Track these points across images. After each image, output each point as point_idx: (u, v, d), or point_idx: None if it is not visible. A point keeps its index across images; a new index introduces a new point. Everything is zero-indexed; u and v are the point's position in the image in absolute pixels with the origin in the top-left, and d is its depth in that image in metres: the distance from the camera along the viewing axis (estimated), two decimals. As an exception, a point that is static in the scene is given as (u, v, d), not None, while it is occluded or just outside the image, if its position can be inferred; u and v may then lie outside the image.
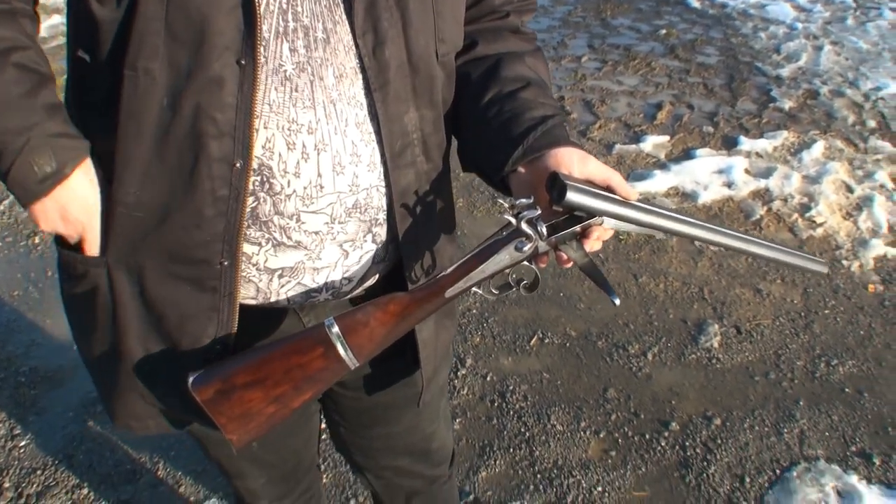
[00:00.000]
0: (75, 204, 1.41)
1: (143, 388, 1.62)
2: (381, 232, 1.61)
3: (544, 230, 1.43)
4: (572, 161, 1.46)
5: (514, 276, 1.53)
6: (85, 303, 1.55)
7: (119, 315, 1.53)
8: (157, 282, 1.49)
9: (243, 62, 1.31)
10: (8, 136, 1.32)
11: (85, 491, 3.18)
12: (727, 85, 7.11)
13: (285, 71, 1.37)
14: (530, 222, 1.42)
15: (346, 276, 1.62)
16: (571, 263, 1.49)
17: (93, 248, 1.47)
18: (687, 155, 5.88)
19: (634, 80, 7.21)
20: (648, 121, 6.42)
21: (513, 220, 1.42)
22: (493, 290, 1.55)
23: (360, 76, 1.43)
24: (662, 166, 5.70)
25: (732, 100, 6.81)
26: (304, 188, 1.45)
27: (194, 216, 1.40)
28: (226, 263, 1.47)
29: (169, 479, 3.24)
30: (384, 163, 1.51)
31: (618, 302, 1.51)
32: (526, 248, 1.43)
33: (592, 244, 1.49)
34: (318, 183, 1.45)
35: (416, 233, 1.64)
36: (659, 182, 5.45)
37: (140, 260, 1.47)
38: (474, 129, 1.64)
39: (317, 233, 1.52)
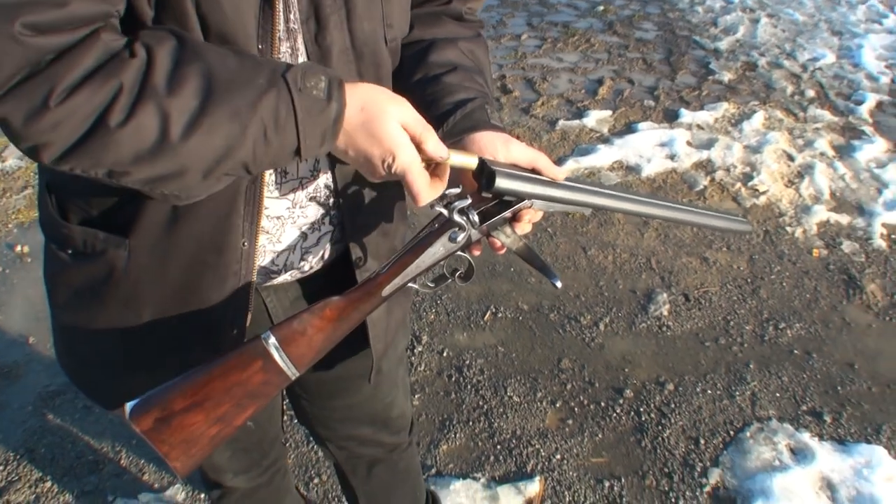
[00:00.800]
0: (386, 98, 1.32)
1: (148, 370, 1.58)
2: (339, 213, 1.63)
3: (476, 218, 1.43)
4: (495, 146, 1.48)
5: (448, 267, 1.54)
6: (93, 283, 1.52)
7: (134, 297, 1.51)
8: (180, 267, 1.47)
9: (261, 47, 1.31)
10: (268, 96, 1.21)
11: (48, 484, 3.17)
12: (666, 59, 7.18)
13: None
14: (462, 212, 1.42)
15: (304, 256, 1.64)
16: (505, 249, 1.51)
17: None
18: (629, 129, 5.94)
19: (574, 57, 7.26)
20: (590, 96, 6.47)
21: (444, 212, 1.43)
22: (429, 284, 1.56)
23: None
24: (606, 141, 5.75)
25: (672, 73, 6.88)
26: (270, 175, 1.46)
27: (225, 201, 1.39)
28: (246, 245, 1.47)
29: (132, 468, 3.23)
30: None
31: (559, 285, 1.53)
32: (459, 239, 1.44)
33: (523, 227, 1.52)
34: (282, 170, 1.48)
35: (363, 216, 1.66)
36: (603, 156, 5.49)
37: (167, 245, 1.44)
38: None
39: (279, 217, 1.54)
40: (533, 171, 1.49)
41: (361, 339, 1.85)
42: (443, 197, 1.42)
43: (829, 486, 3.06)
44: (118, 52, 1.15)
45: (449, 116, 1.53)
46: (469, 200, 1.42)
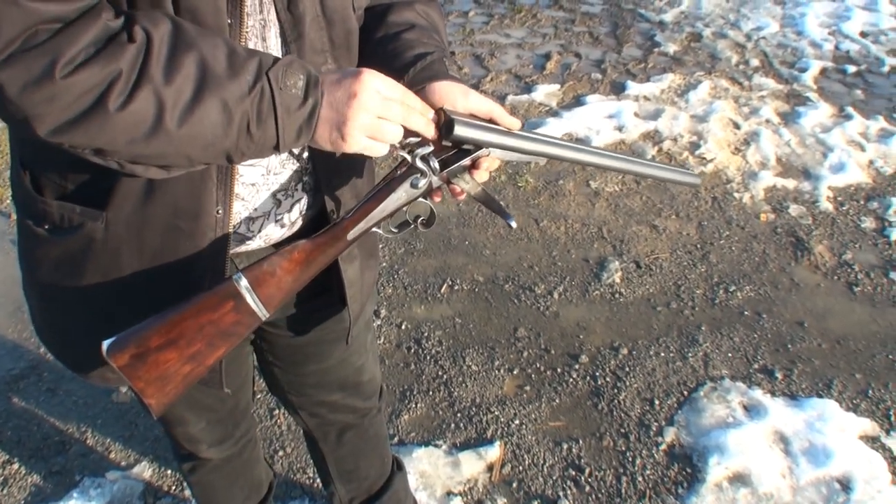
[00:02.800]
0: (364, 87, 1.35)
1: None
2: (311, 180, 1.68)
3: (436, 165, 1.49)
4: (455, 95, 1.53)
5: (411, 213, 1.59)
6: (72, 256, 1.55)
7: (113, 268, 1.54)
8: (157, 236, 1.50)
9: (230, 21, 1.36)
10: (254, 91, 1.28)
11: (16, 466, 3.18)
12: (612, 32, 7.22)
13: None
14: (424, 159, 1.47)
15: (278, 222, 1.68)
16: (465, 195, 1.57)
17: (427, 129, 1.47)
18: (578, 102, 5.98)
19: (522, 33, 7.29)
20: (538, 71, 6.50)
21: (407, 157, 1.48)
22: (393, 229, 1.61)
23: (280, 31, 1.48)
24: (555, 114, 5.79)
25: (618, 47, 6.93)
26: None
27: (198, 170, 1.42)
28: (220, 213, 1.50)
29: (98, 447, 3.24)
30: None
31: (514, 224, 1.58)
32: (421, 185, 1.50)
33: (481, 175, 1.58)
34: None
35: (338, 179, 1.70)
36: (552, 129, 5.52)
37: (143, 215, 1.47)
38: None
39: (253, 184, 1.57)
40: (490, 120, 1.54)
41: (333, 304, 1.92)
42: (405, 145, 1.47)
43: (783, 440, 3.13)
44: (117, 33, 1.20)
45: (410, 68, 1.58)
46: (431, 148, 1.47)
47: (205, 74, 1.23)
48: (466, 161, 1.53)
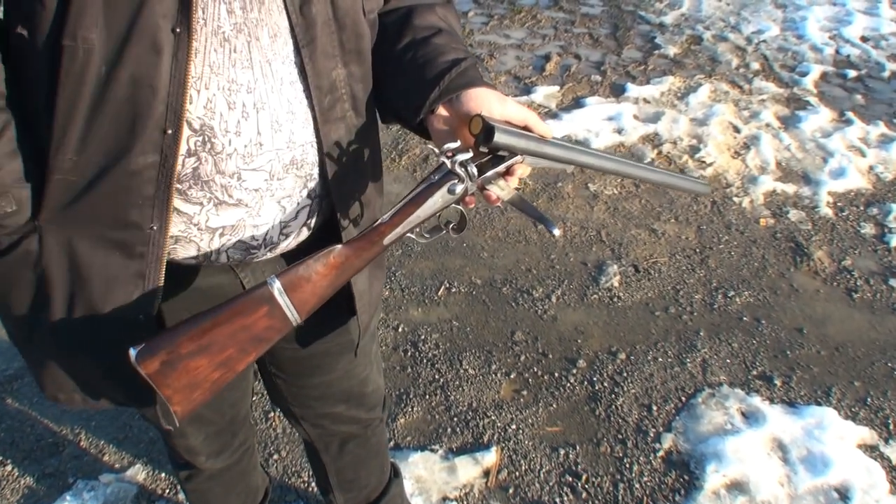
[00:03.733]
0: None
1: (67, 359, 1.60)
2: (316, 186, 1.64)
3: (475, 171, 1.48)
4: (491, 102, 1.51)
5: (441, 218, 1.58)
6: (13, 271, 1.52)
7: (47, 282, 1.51)
8: (87, 246, 1.47)
9: (178, 30, 1.32)
10: None
11: (9, 468, 3.16)
12: (612, 34, 7.21)
13: (224, 32, 1.38)
14: (462, 165, 1.46)
15: (283, 231, 1.65)
16: (499, 201, 1.55)
17: None
18: (577, 104, 5.96)
19: (521, 34, 7.28)
20: (538, 72, 6.49)
21: (447, 163, 1.47)
22: (425, 235, 1.59)
23: (291, 35, 1.46)
24: (554, 116, 5.78)
25: (618, 48, 6.91)
26: (245, 146, 1.46)
27: (126, 180, 1.39)
28: (155, 228, 1.46)
29: (92, 449, 3.23)
30: (315, 118, 1.54)
31: (557, 233, 1.59)
32: (458, 190, 1.48)
33: (513, 181, 1.57)
34: (257, 141, 1.48)
35: (347, 185, 1.68)
36: (552, 131, 5.50)
37: (72, 224, 1.44)
38: (390, 76, 1.67)
39: (256, 190, 1.54)
40: (525, 127, 1.54)
41: (340, 315, 1.91)
42: (444, 150, 1.47)
43: (781, 448, 3.12)
44: None
45: (445, 75, 1.56)
46: (470, 154, 1.46)
47: None
48: (502, 168, 1.53)
